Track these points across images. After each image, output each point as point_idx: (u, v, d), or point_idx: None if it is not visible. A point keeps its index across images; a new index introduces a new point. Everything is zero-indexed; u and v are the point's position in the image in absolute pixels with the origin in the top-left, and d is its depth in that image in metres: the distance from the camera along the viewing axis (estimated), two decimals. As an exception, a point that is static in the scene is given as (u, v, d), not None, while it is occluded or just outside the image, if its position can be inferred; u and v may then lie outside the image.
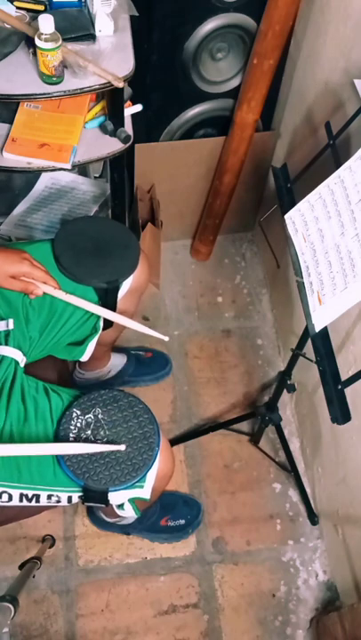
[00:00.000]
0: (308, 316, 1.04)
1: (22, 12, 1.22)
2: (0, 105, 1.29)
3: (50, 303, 1.24)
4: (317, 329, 1.02)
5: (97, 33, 1.23)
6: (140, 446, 1.11)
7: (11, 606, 1.11)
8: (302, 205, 1.10)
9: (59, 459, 1.09)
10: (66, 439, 1.10)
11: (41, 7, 1.22)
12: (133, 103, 1.39)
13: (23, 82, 1.17)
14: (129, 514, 1.21)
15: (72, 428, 1.11)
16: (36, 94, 1.17)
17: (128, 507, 1.16)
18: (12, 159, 1.26)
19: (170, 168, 1.85)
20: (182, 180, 1.90)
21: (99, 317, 1.27)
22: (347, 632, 1.36)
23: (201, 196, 1.98)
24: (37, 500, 1.12)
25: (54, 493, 1.11)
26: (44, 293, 1.17)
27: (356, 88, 1.19)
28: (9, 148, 1.26)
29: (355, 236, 0.98)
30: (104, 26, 1.23)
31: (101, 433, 1.11)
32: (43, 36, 1.10)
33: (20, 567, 1.37)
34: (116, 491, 1.08)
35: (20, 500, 1.11)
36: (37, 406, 1.15)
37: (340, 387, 1.02)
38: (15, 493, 1.11)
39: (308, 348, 1.20)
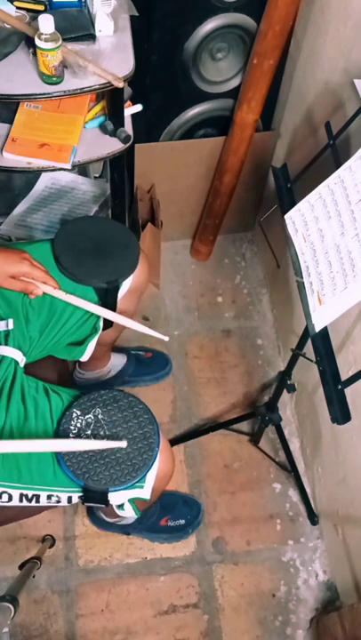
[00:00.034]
0: (308, 316, 1.04)
1: (22, 11, 1.22)
2: (0, 105, 1.29)
3: (50, 303, 1.24)
4: (317, 329, 1.02)
5: (97, 33, 1.23)
6: (140, 446, 1.11)
7: (11, 606, 1.11)
8: (302, 205, 1.10)
9: (58, 459, 1.09)
10: (66, 439, 1.10)
11: (41, 7, 1.22)
12: (133, 103, 1.39)
13: (23, 82, 1.17)
14: (129, 514, 1.21)
15: (72, 428, 1.11)
16: (36, 94, 1.17)
17: (128, 507, 1.16)
18: (12, 159, 1.26)
19: (170, 168, 1.85)
20: (182, 180, 1.90)
21: (99, 317, 1.27)
22: (347, 632, 1.36)
23: (201, 196, 1.98)
24: (37, 501, 1.12)
25: (54, 493, 1.11)
26: (44, 293, 1.17)
27: (356, 88, 1.19)
28: (9, 148, 1.26)
29: (355, 236, 0.98)
30: (104, 26, 1.23)
31: (101, 433, 1.11)
32: (43, 36, 1.10)
33: (20, 567, 1.37)
34: (115, 491, 1.08)
35: (20, 501, 1.11)
36: (37, 406, 1.15)
37: (340, 387, 1.02)
38: (15, 493, 1.11)
39: (308, 348, 1.20)
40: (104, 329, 1.30)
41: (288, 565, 1.63)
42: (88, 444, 1.08)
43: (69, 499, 1.12)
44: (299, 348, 1.36)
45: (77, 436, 1.10)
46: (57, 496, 1.12)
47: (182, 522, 1.63)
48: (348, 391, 1.02)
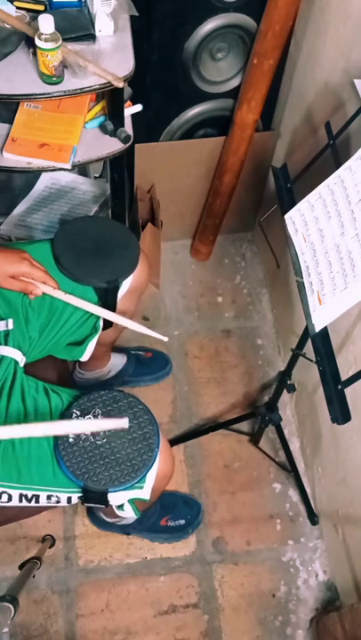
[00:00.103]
0: (308, 316, 1.04)
1: (22, 11, 1.22)
2: (0, 105, 1.29)
3: (50, 303, 1.24)
4: (317, 329, 1.02)
5: (97, 33, 1.23)
6: (140, 447, 1.11)
7: (11, 606, 1.11)
8: (302, 205, 1.10)
9: (58, 459, 1.09)
10: (65, 439, 1.10)
11: (41, 7, 1.22)
12: (133, 103, 1.39)
13: (23, 82, 1.17)
14: (129, 514, 1.21)
15: (72, 428, 1.11)
16: (36, 94, 1.17)
17: (128, 507, 1.16)
18: (12, 159, 1.26)
19: (170, 168, 1.84)
20: (182, 180, 1.90)
21: (98, 317, 1.27)
22: (347, 632, 1.36)
23: (201, 196, 1.98)
24: (37, 501, 1.12)
25: (54, 494, 1.11)
26: (44, 293, 1.17)
27: (356, 88, 1.19)
28: (9, 147, 1.26)
29: (355, 236, 0.98)
30: (104, 26, 1.23)
31: (101, 433, 1.11)
32: (43, 36, 1.10)
33: (20, 567, 1.37)
34: (115, 491, 1.08)
35: (20, 501, 1.11)
36: (37, 406, 1.15)
37: (340, 387, 1.02)
38: (15, 494, 1.11)
39: (308, 348, 1.20)
40: (104, 329, 1.30)
41: (288, 565, 1.63)
42: (88, 424, 1.08)
43: (69, 499, 1.12)
44: (299, 348, 1.36)
45: (77, 435, 1.10)
46: (56, 496, 1.12)
47: (182, 522, 1.63)
48: (348, 391, 1.02)
